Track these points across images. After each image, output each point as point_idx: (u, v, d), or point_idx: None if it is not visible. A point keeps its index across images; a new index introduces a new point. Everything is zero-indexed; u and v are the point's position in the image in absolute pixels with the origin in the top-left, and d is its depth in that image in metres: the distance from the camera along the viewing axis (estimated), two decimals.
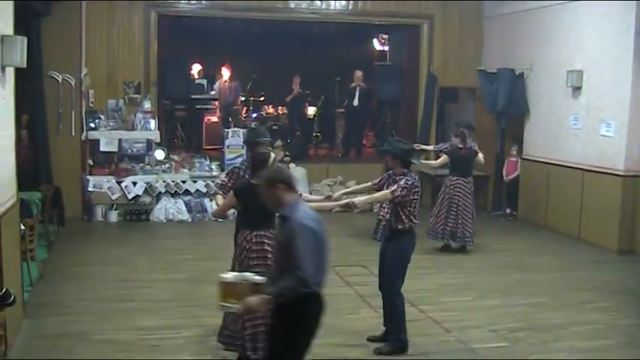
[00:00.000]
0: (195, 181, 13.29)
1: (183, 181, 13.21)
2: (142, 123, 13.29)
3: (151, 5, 13.66)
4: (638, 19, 10.88)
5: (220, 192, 7.06)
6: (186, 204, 13.15)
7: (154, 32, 13.78)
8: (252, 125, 15.41)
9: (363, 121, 17.31)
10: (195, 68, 17.33)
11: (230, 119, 16.73)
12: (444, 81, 15.18)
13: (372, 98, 16.78)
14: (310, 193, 11.50)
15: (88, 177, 12.84)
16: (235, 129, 14.20)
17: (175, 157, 13.95)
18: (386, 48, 18.17)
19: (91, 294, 8.45)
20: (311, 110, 17.44)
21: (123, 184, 12.88)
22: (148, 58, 13.73)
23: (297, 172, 13.74)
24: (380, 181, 7.14)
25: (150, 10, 13.67)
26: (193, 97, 16.11)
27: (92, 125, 13.03)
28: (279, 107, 17.96)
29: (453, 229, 10.97)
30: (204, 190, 13.21)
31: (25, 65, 6.67)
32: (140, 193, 12.98)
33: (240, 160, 12.21)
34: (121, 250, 10.84)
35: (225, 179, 7.16)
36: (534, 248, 11.66)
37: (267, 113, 17.76)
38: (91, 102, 13.32)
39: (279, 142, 13.63)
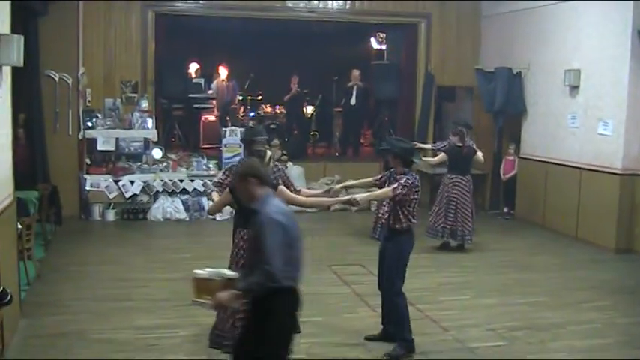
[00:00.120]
0: (192, 180, 13.28)
1: (181, 180, 13.20)
2: (140, 122, 13.28)
3: (148, 4, 13.63)
4: (635, 19, 10.89)
5: (217, 190, 7.04)
6: (184, 203, 13.13)
7: (151, 31, 13.76)
8: (250, 124, 15.41)
9: (360, 120, 17.29)
10: (193, 67, 17.30)
11: (228, 118, 16.72)
12: (441, 80, 15.18)
13: (369, 97, 16.78)
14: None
15: (86, 176, 12.83)
16: (233, 128, 14.19)
17: (173, 156, 13.93)
18: (383, 47, 18.16)
19: (89, 293, 8.44)
20: (309, 109, 17.44)
21: (120, 183, 12.87)
22: (145, 57, 13.71)
23: (295, 171, 13.75)
24: (381, 178, 7.13)
25: (147, 9, 13.64)
26: (191, 96, 16.07)
27: (89, 124, 13.02)
28: (277, 106, 17.94)
29: (453, 227, 10.97)
30: (201, 189, 13.20)
31: (22, 64, 6.65)
32: (137, 192, 12.97)
33: (237, 159, 12.23)
34: (119, 249, 10.83)
35: (222, 177, 7.14)
36: (532, 247, 11.66)
37: (264, 112, 17.75)
38: (89, 101, 13.29)
39: (276, 141, 13.66)
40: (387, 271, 6.80)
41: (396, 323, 6.80)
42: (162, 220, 12.90)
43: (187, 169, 13.56)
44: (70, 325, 7.33)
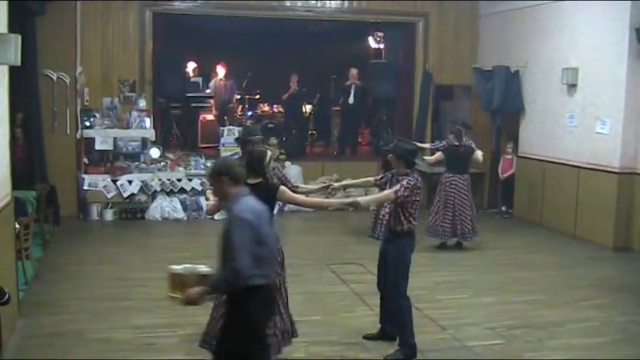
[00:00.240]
0: (190, 180, 13.28)
1: (179, 180, 13.20)
2: (137, 121, 13.28)
3: (145, 4, 13.63)
4: (633, 17, 10.89)
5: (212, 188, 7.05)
6: (182, 202, 13.13)
7: (148, 30, 13.75)
8: (248, 123, 15.40)
9: (358, 119, 17.29)
10: (191, 66, 17.28)
11: (225, 117, 16.73)
12: (439, 79, 15.18)
13: (367, 96, 16.77)
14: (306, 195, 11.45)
15: (84, 175, 12.83)
16: (231, 127, 14.20)
17: (171, 156, 13.91)
18: (381, 46, 18.15)
19: (87, 293, 8.44)
20: (307, 108, 17.44)
21: (118, 183, 12.87)
22: (142, 56, 13.71)
23: (293, 170, 13.74)
24: (382, 178, 7.10)
25: (145, 8, 13.64)
26: (188, 95, 16.05)
27: (87, 123, 13.02)
28: (275, 105, 17.94)
29: (452, 226, 10.98)
30: (199, 188, 13.19)
31: (19, 63, 6.64)
32: (135, 192, 12.97)
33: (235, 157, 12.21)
34: (117, 248, 10.82)
35: None
36: (530, 246, 11.67)
37: (262, 111, 17.74)
38: (86, 100, 13.29)
39: (274, 140, 13.62)
40: (391, 275, 6.70)
41: (399, 326, 6.74)
42: (160, 219, 12.90)
43: (185, 168, 13.56)
44: (68, 324, 7.33)
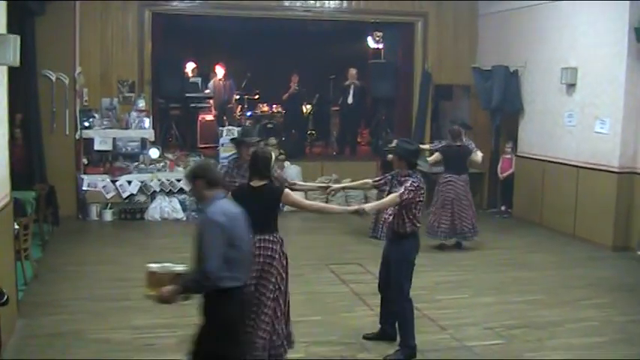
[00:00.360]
0: None
1: (178, 180, 13.16)
2: (137, 122, 13.27)
3: (144, 4, 13.63)
4: (632, 17, 10.89)
5: None
6: (181, 202, 13.12)
7: (147, 31, 13.76)
8: (247, 123, 15.41)
9: (357, 119, 17.29)
10: (190, 67, 17.26)
11: (225, 117, 16.71)
12: (438, 78, 15.19)
13: (366, 96, 16.75)
14: (305, 193, 11.45)
15: (83, 176, 12.81)
16: (230, 127, 14.19)
17: (170, 156, 13.90)
18: (380, 46, 18.13)
19: (86, 293, 8.43)
20: (306, 108, 17.44)
21: (117, 183, 12.86)
22: (142, 56, 13.71)
23: (292, 170, 13.74)
24: (381, 180, 7.08)
25: (144, 8, 13.64)
26: (188, 95, 16.04)
27: (86, 124, 13.01)
28: (274, 105, 17.92)
29: (451, 226, 10.97)
30: None
31: (18, 64, 6.64)
32: (135, 192, 12.96)
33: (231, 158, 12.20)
34: (116, 249, 10.81)
35: None
36: (530, 245, 11.67)
37: (261, 111, 17.71)
38: (85, 101, 13.28)
39: (273, 140, 13.66)
40: (395, 277, 6.66)
41: (400, 328, 6.73)
42: (159, 219, 12.89)
43: (184, 168, 13.50)
44: (67, 325, 7.33)
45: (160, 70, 14.33)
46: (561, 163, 12.51)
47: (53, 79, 12.57)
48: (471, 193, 11.34)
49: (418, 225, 6.67)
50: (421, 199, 6.58)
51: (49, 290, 8.51)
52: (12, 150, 7.58)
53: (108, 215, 12.85)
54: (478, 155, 11.20)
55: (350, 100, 16.26)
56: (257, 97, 17.94)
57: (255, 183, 5.95)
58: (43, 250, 10.30)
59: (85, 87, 13.24)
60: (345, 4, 14.70)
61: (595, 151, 11.68)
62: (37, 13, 11.83)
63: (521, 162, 13.71)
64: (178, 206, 13.04)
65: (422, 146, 12.21)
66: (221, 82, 17.79)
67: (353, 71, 16.34)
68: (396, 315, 6.75)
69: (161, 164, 13.40)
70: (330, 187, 7.35)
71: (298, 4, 14.49)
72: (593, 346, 7.12)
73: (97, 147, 13.04)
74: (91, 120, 13.05)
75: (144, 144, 13.45)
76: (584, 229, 11.89)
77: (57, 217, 11.89)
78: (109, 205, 12.90)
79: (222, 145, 13.75)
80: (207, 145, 15.82)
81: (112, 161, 13.17)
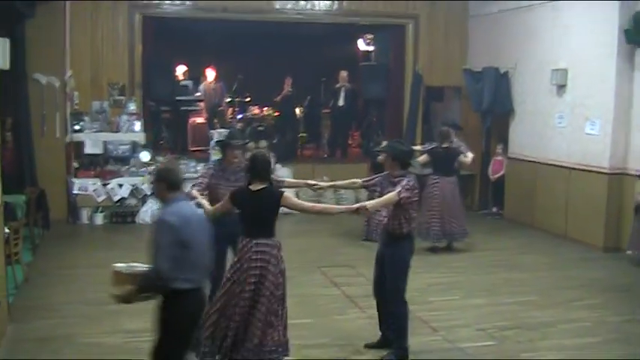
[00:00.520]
0: None
1: None
2: (127, 125, 13.23)
3: (135, 6, 13.61)
4: (621, 18, 10.93)
5: (197, 187, 7.19)
6: None
7: (138, 33, 13.72)
8: (238, 126, 15.38)
9: (348, 122, 17.28)
10: (180, 69, 17.21)
11: (216, 120, 16.67)
12: (429, 80, 15.21)
13: (357, 98, 16.77)
14: (297, 195, 11.45)
15: (73, 179, 12.76)
16: (221, 130, 14.14)
17: (161, 159, 13.82)
18: (371, 48, 18.15)
19: (77, 297, 8.40)
20: (297, 111, 17.44)
21: (108, 187, 12.81)
22: (132, 59, 13.68)
23: (283, 172, 13.72)
24: (370, 180, 7.07)
25: (134, 11, 13.61)
26: (178, 98, 16.02)
27: (77, 127, 12.96)
28: (265, 108, 17.89)
29: (441, 228, 10.97)
30: None
31: (7, 67, 6.63)
32: (126, 196, 12.91)
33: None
34: (107, 252, 10.74)
35: (200, 180, 7.43)
36: (521, 247, 11.69)
37: (253, 114, 17.68)
38: (76, 104, 13.24)
39: (263, 143, 13.64)
40: (391, 280, 6.64)
41: (395, 329, 6.71)
42: (150, 223, 12.80)
43: None
44: (58, 329, 7.30)
45: (150, 73, 14.30)
46: (552, 165, 12.54)
47: (43, 82, 12.52)
48: (461, 195, 11.34)
49: (413, 226, 6.67)
50: (416, 198, 6.60)
51: (39, 294, 8.47)
52: (2, 153, 7.57)
53: (99, 219, 12.81)
54: (468, 157, 11.20)
55: (341, 102, 16.27)
56: (248, 99, 17.92)
57: (255, 186, 5.92)
58: (34, 254, 10.26)
59: (76, 90, 13.19)
60: (335, 5, 14.68)
61: (586, 153, 11.71)
62: (26, 15, 11.78)
63: (512, 163, 13.74)
64: None
65: (414, 148, 12.25)
66: (212, 85, 17.74)
67: (344, 74, 16.35)
68: (393, 316, 6.74)
69: (152, 167, 13.30)
70: (317, 184, 7.34)
71: (289, 6, 14.47)
72: (585, 346, 7.13)
73: (87, 150, 13.01)
74: (81, 123, 13.01)
75: (135, 147, 13.40)
76: (576, 230, 11.92)
77: (47, 220, 11.85)
78: (100, 208, 12.86)
79: (214, 148, 13.69)
80: (198, 148, 15.80)
81: (102, 164, 13.13)
